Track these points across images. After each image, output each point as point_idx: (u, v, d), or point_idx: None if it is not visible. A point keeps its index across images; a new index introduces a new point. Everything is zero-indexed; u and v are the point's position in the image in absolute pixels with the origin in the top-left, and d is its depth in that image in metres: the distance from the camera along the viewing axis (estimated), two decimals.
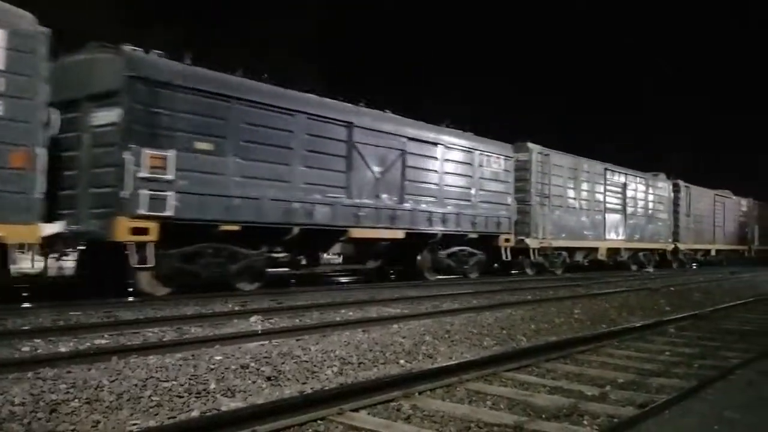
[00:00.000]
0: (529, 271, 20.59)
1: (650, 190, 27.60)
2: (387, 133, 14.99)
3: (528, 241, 19.78)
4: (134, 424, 3.96)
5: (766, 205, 40.95)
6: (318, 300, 10.82)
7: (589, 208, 23.01)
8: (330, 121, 13.61)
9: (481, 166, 17.68)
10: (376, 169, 14.58)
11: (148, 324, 7.79)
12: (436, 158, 16.37)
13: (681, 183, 30.00)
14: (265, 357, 5.99)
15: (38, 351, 6.18)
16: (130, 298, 10.14)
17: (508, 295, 12.99)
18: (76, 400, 4.37)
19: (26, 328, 7.29)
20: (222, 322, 8.21)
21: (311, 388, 4.96)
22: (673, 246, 29.02)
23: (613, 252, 24.65)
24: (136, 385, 4.80)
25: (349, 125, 14.05)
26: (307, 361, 5.90)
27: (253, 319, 8.50)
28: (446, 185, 16.55)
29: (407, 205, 15.26)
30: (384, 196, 14.67)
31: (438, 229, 16.09)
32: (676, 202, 29.70)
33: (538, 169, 20.50)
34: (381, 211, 14.55)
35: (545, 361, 6.21)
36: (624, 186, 25.37)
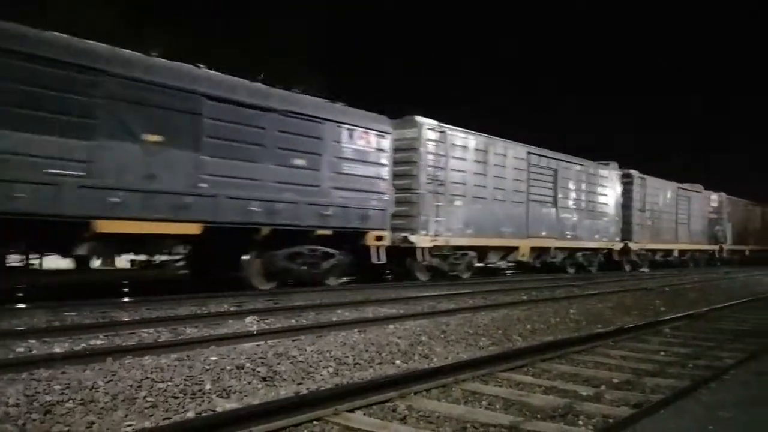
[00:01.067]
0: (421, 276, 16.27)
1: (592, 180, 23.25)
2: (167, 87, 10.63)
3: (414, 238, 15.46)
4: (129, 425, 3.95)
5: (741, 202, 37.79)
6: (314, 300, 10.81)
7: (505, 198, 18.62)
8: (58, 64, 9.31)
9: (337, 142, 13.42)
10: (149, 138, 10.33)
11: (143, 325, 7.77)
12: (259, 128, 12.02)
13: (635, 173, 25.89)
14: (261, 357, 5.99)
15: (33, 352, 6.16)
16: (125, 299, 10.12)
17: (503, 295, 13.01)
18: (71, 401, 4.36)
19: (21, 328, 7.27)
20: (217, 323, 8.20)
21: (307, 389, 4.96)
22: (622, 245, 24.77)
23: (541, 252, 20.46)
24: (131, 386, 4.79)
25: (92, 72, 9.70)
26: (302, 362, 5.90)
27: (248, 319, 8.49)
28: (277, 165, 12.23)
29: (205, 190, 11.09)
30: (164, 176, 10.50)
31: (261, 222, 11.98)
32: (627, 195, 25.57)
33: (430, 149, 16.12)
34: (157, 198, 10.40)
35: (541, 361, 6.22)
36: (555, 174, 21.10)
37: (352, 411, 4.31)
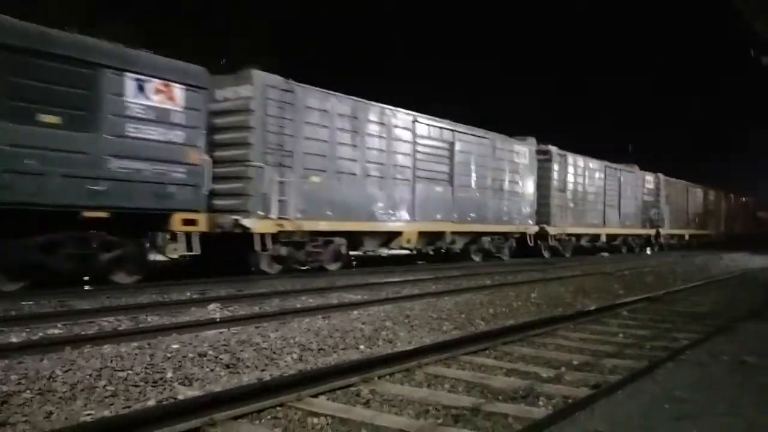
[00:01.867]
0: (267, 268, 13.09)
1: (500, 156, 19.98)
2: None
3: (249, 222, 12.16)
4: (88, 415, 3.90)
5: (681, 183, 35.32)
6: (278, 287, 10.77)
7: (384, 175, 15.25)
8: None
9: (119, 95, 10.11)
10: None
11: (103, 313, 7.64)
12: None
13: (553, 149, 22.97)
14: (224, 345, 5.95)
15: None
16: (86, 287, 9.93)
17: (467, 280, 13.13)
18: (28, 391, 4.28)
19: None
20: (180, 311, 8.11)
21: (270, 375, 4.95)
22: (537, 229, 21.63)
23: (434, 237, 17.43)
24: (90, 375, 4.72)
25: None
26: (266, 348, 5.88)
27: (211, 307, 8.42)
28: (11, 122, 8.90)
29: None
30: None
31: None
32: (545, 174, 22.54)
33: (272, 111, 12.63)
34: None
35: (503, 344, 6.31)
36: (452, 147, 17.75)
37: (315, 396, 4.32)
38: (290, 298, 9.64)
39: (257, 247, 12.36)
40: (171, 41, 17.51)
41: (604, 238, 26.59)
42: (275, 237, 12.69)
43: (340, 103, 14.27)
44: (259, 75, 12.59)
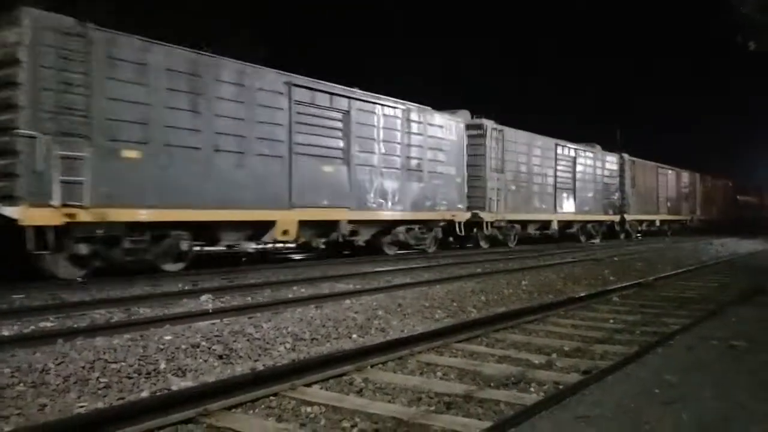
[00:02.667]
0: (62, 273, 9.95)
1: (417, 129, 16.51)
2: None
3: (13, 211, 9.04)
4: (82, 406, 3.91)
5: (649, 165, 32.55)
6: (270, 278, 10.78)
7: (243, 150, 12.07)
8: None
9: None
10: None
11: (95, 306, 7.63)
12: None
13: (488, 123, 19.93)
14: (217, 336, 5.97)
15: None
16: (78, 279, 9.89)
17: (458, 268, 13.17)
18: (22, 384, 4.29)
19: None
20: (172, 302, 8.10)
21: (263, 365, 4.97)
22: (469, 216, 18.62)
23: (325, 228, 14.10)
24: (83, 368, 4.72)
25: None
26: (259, 339, 5.90)
27: (203, 298, 8.42)
28: None
29: None
30: None
31: None
32: (478, 152, 19.46)
33: (54, 63, 9.44)
34: None
35: (494, 331, 6.36)
36: (347, 117, 14.36)
37: (308, 385, 4.34)
38: (282, 288, 9.65)
39: (31, 245, 9.13)
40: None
41: (555, 226, 23.59)
42: (64, 231, 9.56)
43: (168, 57, 11.00)
44: (31, 14, 9.35)
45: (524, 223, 21.97)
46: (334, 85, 14.21)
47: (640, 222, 31.06)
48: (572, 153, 25.13)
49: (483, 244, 20.33)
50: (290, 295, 8.85)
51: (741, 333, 6.12)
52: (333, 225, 14.15)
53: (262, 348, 5.58)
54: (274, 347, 5.62)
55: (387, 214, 15.59)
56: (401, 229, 16.31)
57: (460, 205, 18.16)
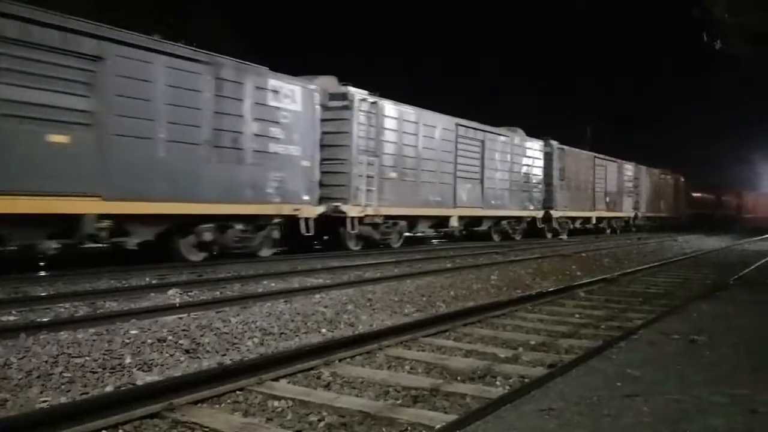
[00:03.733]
0: None
1: (235, 94, 12.08)
2: None
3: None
4: (44, 401, 3.86)
5: (584, 155, 28.91)
6: (239, 272, 10.71)
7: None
8: None
9: None
10: None
11: (59, 299, 7.50)
12: None
13: (357, 93, 15.39)
14: (184, 330, 5.92)
15: None
16: (42, 273, 9.71)
17: (428, 263, 13.23)
18: None
19: None
20: (138, 296, 8.00)
21: (231, 360, 4.95)
22: (322, 209, 14.27)
23: (60, 222, 9.65)
24: (46, 362, 4.65)
25: None
26: (227, 333, 5.87)
27: (171, 292, 8.33)
28: None
29: None
30: None
31: None
32: (341, 129, 15.09)
33: None
34: None
35: (462, 325, 6.41)
36: (95, 71, 9.87)
37: (276, 380, 4.34)
38: (252, 282, 9.60)
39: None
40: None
41: (455, 222, 19.19)
42: None
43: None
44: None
45: (410, 219, 17.55)
46: (67, 17, 9.55)
47: (573, 219, 27.18)
48: (480, 136, 20.36)
49: (352, 245, 15.78)
50: (260, 290, 8.81)
51: (702, 328, 6.26)
52: (76, 220, 9.74)
53: (230, 342, 5.55)
54: (243, 342, 5.60)
55: (184, 207, 11.19)
56: (207, 226, 11.96)
57: (306, 196, 13.78)
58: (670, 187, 41.25)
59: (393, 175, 16.61)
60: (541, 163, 24.40)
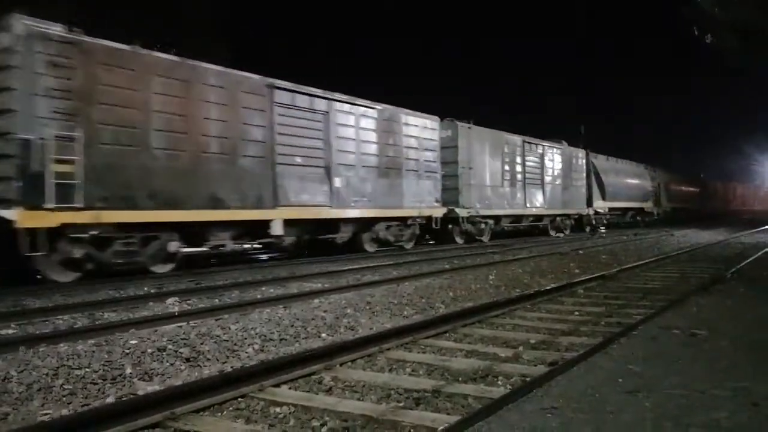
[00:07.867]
0: None
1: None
2: None
3: None
4: (45, 414, 3.84)
5: (509, 139, 22.86)
6: (237, 279, 10.69)
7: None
8: None
9: None
10: None
11: (58, 312, 7.49)
12: None
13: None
14: (183, 339, 5.90)
15: None
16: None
17: (427, 265, 13.23)
18: None
19: None
20: (137, 306, 7.99)
21: (231, 367, 4.94)
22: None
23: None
24: (46, 375, 4.64)
25: None
26: (227, 341, 5.86)
27: (169, 300, 8.32)
28: None
29: None
30: None
31: None
32: (437, 147, 16.78)
33: None
34: None
35: (462, 326, 6.40)
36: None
37: (277, 386, 4.33)
38: (250, 289, 9.59)
39: None
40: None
41: (279, 229, 13.22)
42: None
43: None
44: None
45: (206, 226, 12.02)
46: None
47: (493, 219, 21.88)
48: (323, 106, 14.60)
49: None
50: (258, 296, 8.80)
51: (701, 322, 6.28)
52: None
53: (230, 350, 5.54)
54: (243, 349, 5.59)
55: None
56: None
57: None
58: (637, 178, 35.81)
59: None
60: (437, 146, 18.67)
